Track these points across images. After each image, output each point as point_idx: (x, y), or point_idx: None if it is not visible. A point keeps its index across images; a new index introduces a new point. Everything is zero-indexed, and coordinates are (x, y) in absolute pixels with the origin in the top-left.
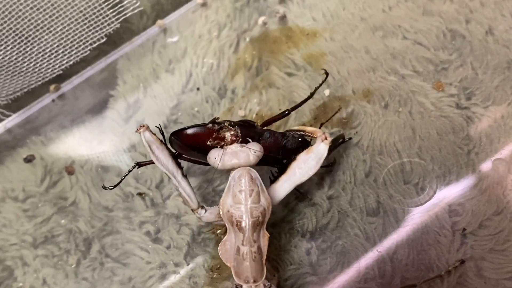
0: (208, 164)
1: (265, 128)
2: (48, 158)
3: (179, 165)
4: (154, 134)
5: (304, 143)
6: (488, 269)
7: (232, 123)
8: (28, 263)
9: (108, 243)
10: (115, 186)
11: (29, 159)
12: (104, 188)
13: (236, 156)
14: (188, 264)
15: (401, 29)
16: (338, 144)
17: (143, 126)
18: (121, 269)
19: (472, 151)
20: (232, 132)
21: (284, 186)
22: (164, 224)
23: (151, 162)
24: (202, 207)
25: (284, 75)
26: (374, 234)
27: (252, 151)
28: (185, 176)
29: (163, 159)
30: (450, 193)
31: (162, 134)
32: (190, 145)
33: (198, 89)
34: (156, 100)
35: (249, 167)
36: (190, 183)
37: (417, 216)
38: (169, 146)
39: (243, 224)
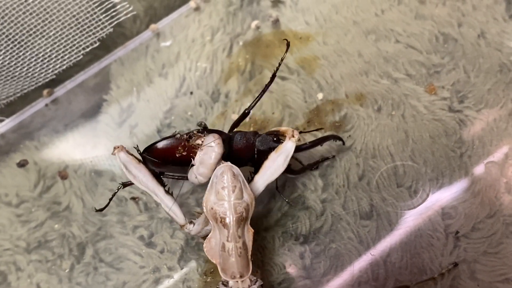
0: (187, 179)
1: (235, 130)
2: (42, 163)
3: (161, 183)
4: (131, 154)
5: (278, 142)
6: (481, 271)
7: (200, 130)
8: (21, 268)
9: (102, 248)
10: (102, 209)
11: (22, 164)
12: (96, 211)
13: (206, 160)
14: (182, 268)
15: (393, 33)
16: (324, 140)
17: (118, 147)
18: (115, 273)
19: (464, 154)
20: (203, 139)
21: (257, 184)
22: (158, 228)
23: None
24: (191, 222)
25: (277, 79)
26: (368, 237)
27: (211, 144)
28: (169, 193)
29: (141, 177)
30: (443, 196)
31: (140, 153)
32: (163, 159)
33: (191, 93)
34: (149, 104)
35: (230, 164)
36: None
37: (410, 219)
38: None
39: (227, 220)
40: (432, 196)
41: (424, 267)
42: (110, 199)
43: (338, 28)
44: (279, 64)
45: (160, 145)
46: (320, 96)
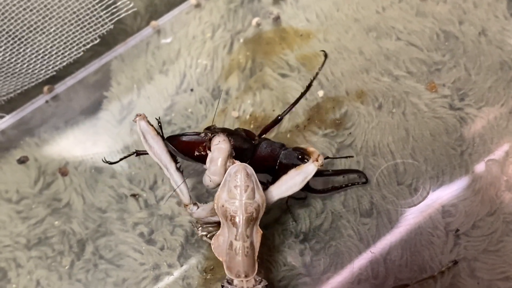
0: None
1: (263, 137)
2: (42, 160)
3: (174, 159)
4: (152, 125)
5: (302, 160)
6: (481, 269)
7: (226, 133)
8: (21, 264)
9: (102, 245)
10: (115, 163)
11: (22, 161)
12: (108, 162)
13: (215, 158)
14: (181, 265)
15: (394, 30)
16: (348, 172)
17: (140, 115)
18: (115, 270)
19: (465, 152)
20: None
21: (270, 195)
22: (158, 225)
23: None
24: (195, 204)
25: (278, 76)
26: (368, 235)
27: (218, 143)
28: (180, 170)
29: (157, 149)
30: (443, 194)
31: (160, 127)
32: (184, 152)
33: (192, 90)
34: (150, 101)
35: (245, 164)
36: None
37: (410, 217)
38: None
39: (237, 219)
40: (433, 194)
41: (424, 265)
42: (123, 158)
43: (339, 25)
44: (316, 74)
45: (184, 138)
46: (320, 93)
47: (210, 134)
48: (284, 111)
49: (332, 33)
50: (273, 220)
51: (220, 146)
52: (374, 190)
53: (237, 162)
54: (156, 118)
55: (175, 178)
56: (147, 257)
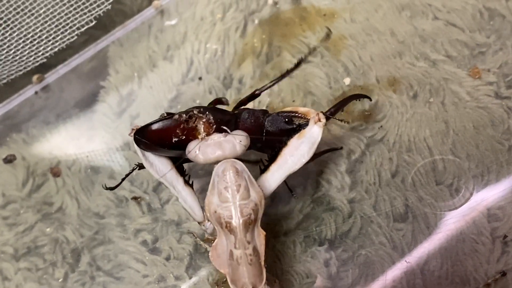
0: (190, 161)
1: (241, 107)
2: (31, 158)
3: (181, 172)
4: None
5: (289, 124)
6: None
7: (201, 109)
8: (8, 277)
9: (100, 254)
10: (114, 188)
11: (9, 160)
12: (107, 188)
13: (221, 147)
14: (190, 278)
15: (431, 8)
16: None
17: (138, 127)
18: (114, 283)
19: None
20: (204, 120)
21: (275, 175)
22: (163, 232)
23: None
24: (209, 220)
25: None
26: (402, 242)
27: (237, 139)
28: (189, 184)
29: (159, 165)
30: (489, 195)
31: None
32: (159, 143)
33: (200, 78)
34: (152, 91)
35: (233, 159)
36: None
37: (451, 222)
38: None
39: (234, 224)
40: (476, 195)
41: (467, 276)
42: (124, 178)
43: (367, 3)
44: (309, 53)
45: (155, 126)
46: (347, 81)
47: (184, 115)
48: (263, 87)
49: (359, 12)
50: (294, 226)
51: (241, 144)
52: (409, 191)
53: (226, 159)
54: (132, 128)
55: (183, 195)
56: (151, 268)
